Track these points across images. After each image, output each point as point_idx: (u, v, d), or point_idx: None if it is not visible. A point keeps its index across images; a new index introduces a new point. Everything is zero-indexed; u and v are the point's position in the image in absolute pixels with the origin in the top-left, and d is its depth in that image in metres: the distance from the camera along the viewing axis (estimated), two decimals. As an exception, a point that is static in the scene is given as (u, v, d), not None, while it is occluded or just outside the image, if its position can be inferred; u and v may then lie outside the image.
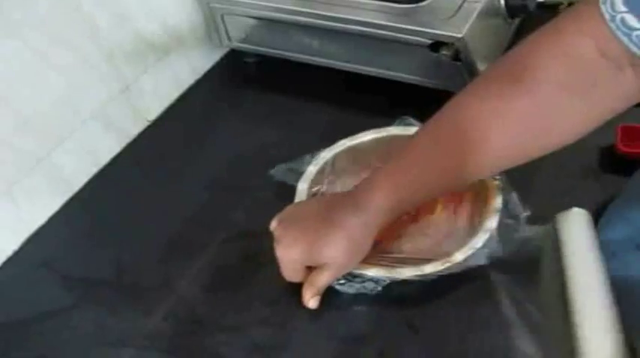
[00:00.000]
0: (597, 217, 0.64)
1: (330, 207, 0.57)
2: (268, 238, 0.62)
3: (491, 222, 0.58)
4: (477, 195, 0.61)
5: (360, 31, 0.76)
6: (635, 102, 0.49)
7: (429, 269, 0.56)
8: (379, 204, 0.54)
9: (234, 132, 0.81)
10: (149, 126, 0.82)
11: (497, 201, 0.59)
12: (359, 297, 0.59)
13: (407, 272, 0.56)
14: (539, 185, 0.68)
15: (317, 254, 0.56)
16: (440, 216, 0.62)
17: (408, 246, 0.61)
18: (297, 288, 0.59)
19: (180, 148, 0.80)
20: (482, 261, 0.56)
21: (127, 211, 0.71)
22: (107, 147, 0.77)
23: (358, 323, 0.58)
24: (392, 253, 0.60)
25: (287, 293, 0.60)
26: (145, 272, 0.64)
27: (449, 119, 0.54)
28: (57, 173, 0.71)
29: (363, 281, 0.58)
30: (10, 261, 0.67)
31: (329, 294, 0.59)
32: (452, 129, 0.53)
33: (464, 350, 0.55)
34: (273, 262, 0.62)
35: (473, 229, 0.58)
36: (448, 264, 0.56)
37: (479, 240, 0.56)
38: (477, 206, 0.61)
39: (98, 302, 0.62)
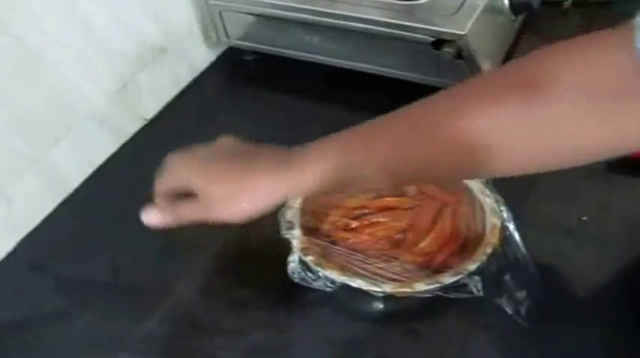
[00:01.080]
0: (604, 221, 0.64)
1: (257, 153, 0.52)
2: (268, 240, 0.61)
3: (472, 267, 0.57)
4: (472, 239, 0.61)
5: (361, 28, 0.76)
6: None
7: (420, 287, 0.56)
8: (313, 171, 0.48)
9: (232, 132, 0.79)
10: (146, 125, 0.81)
11: (487, 249, 0.58)
12: (360, 302, 0.59)
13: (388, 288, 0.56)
14: (541, 185, 0.68)
15: (197, 178, 0.50)
16: (423, 248, 0.61)
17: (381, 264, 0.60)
18: (296, 292, 0.59)
19: (177, 147, 0.78)
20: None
21: (123, 212, 0.70)
22: (103, 147, 0.77)
23: (359, 327, 0.58)
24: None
25: (286, 297, 0.59)
26: (141, 274, 0.64)
27: (439, 113, 0.48)
28: (52, 173, 0.70)
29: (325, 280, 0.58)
30: (3, 263, 0.66)
31: (329, 298, 0.58)
32: (444, 126, 0.47)
33: (466, 355, 0.55)
34: (272, 264, 0.62)
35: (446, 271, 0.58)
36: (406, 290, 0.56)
37: (448, 279, 0.56)
38: (465, 251, 0.60)
39: (93, 305, 0.61)
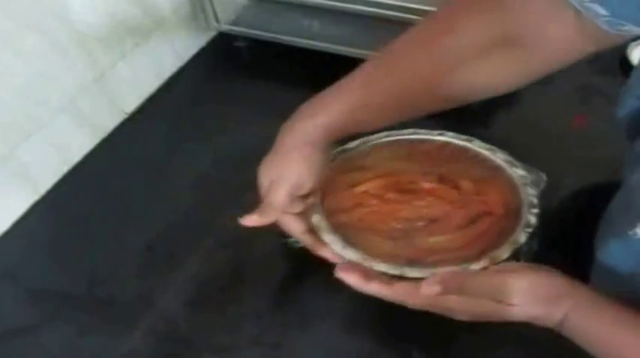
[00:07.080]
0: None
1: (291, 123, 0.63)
2: (261, 245, 0.61)
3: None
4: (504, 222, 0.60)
5: (365, 11, 0.76)
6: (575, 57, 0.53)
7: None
8: (333, 105, 0.62)
9: (222, 126, 0.80)
10: (127, 120, 0.81)
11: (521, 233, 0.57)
12: (360, 314, 0.58)
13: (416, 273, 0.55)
14: (569, 180, 0.68)
15: (267, 173, 0.60)
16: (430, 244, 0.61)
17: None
18: (291, 304, 0.59)
19: (161, 144, 0.79)
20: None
21: (101, 215, 0.71)
22: (79, 143, 0.77)
23: (359, 343, 0.57)
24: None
25: (281, 310, 0.59)
26: (121, 284, 0.64)
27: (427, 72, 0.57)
28: (22, 172, 0.70)
29: None
30: (-31, 272, 0.66)
31: (328, 311, 0.58)
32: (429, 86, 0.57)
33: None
34: (266, 273, 0.62)
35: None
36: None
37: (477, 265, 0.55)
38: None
39: (68, 318, 0.61)
